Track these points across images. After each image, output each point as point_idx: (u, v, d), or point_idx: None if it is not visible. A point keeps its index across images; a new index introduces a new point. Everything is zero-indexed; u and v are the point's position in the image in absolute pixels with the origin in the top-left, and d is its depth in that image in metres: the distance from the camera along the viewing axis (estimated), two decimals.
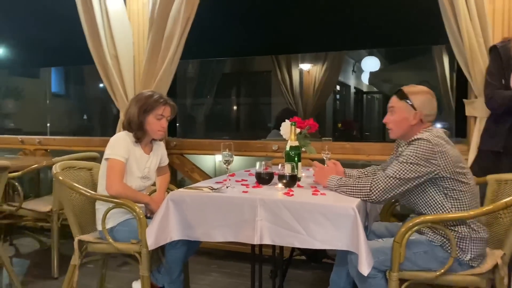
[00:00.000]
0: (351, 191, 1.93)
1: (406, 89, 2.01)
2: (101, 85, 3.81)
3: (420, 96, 1.98)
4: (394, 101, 2.02)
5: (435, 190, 1.91)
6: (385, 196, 1.89)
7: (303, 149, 2.47)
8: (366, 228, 1.98)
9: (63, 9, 3.97)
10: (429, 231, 1.91)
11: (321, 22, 3.70)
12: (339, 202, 1.85)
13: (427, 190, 1.92)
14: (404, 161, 1.86)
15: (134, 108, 2.35)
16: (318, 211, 1.80)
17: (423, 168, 1.84)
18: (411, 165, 1.85)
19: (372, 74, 7.80)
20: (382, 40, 3.70)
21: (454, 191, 1.89)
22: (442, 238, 1.88)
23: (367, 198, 1.90)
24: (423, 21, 3.30)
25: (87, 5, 3.54)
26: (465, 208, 1.89)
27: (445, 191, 1.89)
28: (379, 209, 2.44)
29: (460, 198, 1.89)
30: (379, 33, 3.58)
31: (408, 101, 1.97)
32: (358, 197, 1.90)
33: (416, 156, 1.84)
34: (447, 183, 1.88)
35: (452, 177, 1.87)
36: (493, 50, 2.48)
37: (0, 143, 4.38)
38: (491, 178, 2.21)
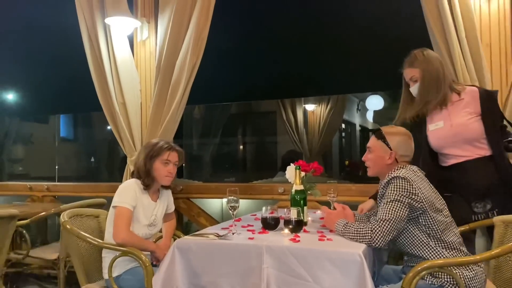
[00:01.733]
0: (355, 238, 1.93)
1: (384, 129, 2.12)
2: (108, 127, 3.88)
3: (397, 137, 2.08)
4: (372, 140, 2.14)
5: (418, 231, 1.95)
6: (387, 239, 1.90)
7: (308, 192, 2.48)
8: (374, 274, 1.96)
9: (72, 58, 4.11)
10: (428, 275, 1.89)
11: (325, 67, 3.79)
12: (346, 248, 1.83)
13: (411, 231, 1.97)
14: (388, 200, 1.92)
15: (141, 156, 2.41)
16: (325, 258, 1.79)
17: (407, 202, 1.89)
18: (396, 203, 1.90)
19: (376, 113, 7.84)
20: (385, 83, 3.76)
21: (435, 231, 1.93)
22: (440, 280, 1.88)
23: (370, 244, 1.89)
24: None
25: (95, 54, 3.67)
26: (448, 246, 1.92)
27: (428, 231, 1.94)
28: (387, 252, 2.41)
29: (441, 238, 1.93)
30: (382, 76, 3.65)
31: (384, 141, 2.06)
32: (362, 243, 1.89)
33: (397, 193, 1.91)
34: (427, 221, 1.92)
35: (432, 212, 1.92)
36: None
37: (9, 190, 4.44)
38: (497, 220, 2.20)
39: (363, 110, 8.48)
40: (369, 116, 8.27)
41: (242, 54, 3.88)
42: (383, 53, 3.49)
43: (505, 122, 2.44)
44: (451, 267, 1.83)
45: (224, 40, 3.69)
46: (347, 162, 8.11)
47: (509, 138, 2.32)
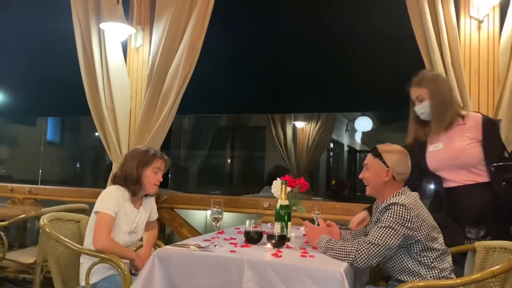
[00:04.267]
0: (337, 255, 1.92)
1: (381, 147, 2.10)
2: (95, 133, 3.85)
3: (393, 155, 2.06)
4: (369, 158, 2.12)
5: (408, 258, 1.95)
6: (370, 263, 1.89)
7: (293, 207, 2.47)
8: None
9: (64, 61, 4.09)
10: None
11: (316, 84, 3.82)
12: (327, 266, 1.82)
13: (401, 258, 1.96)
14: (383, 226, 1.90)
15: (131, 163, 2.37)
16: (306, 274, 1.77)
17: (402, 231, 1.88)
18: (389, 230, 1.88)
19: (364, 134, 7.91)
20: (375, 104, 3.80)
21: (427, 258, 1.92)
22: None
23: (352, 264, 1.89)
24: None
25: (88, 59, 3.66)
26: (438, 274, 1.92)
27: (419, 258, 1.93)
28: (368, 272, 2.40)
29: (433, 265, 1.93)
30: (372, 97, 3.68)
31: (381, 159, 2.04)
32: (345, 261, 1.89)
33: (393, 221, 1.89)
34: (419, 248, 1.92)
35: (425, 241, 1.91)
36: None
37: None
38: (479, 245, 2.21)
39: (351, 130, 8.54)
40: (358, 137, 8.34)
41: (235, 66, 3.89)
42: (375, 75, 3.53)
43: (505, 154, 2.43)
44: None
45: (217, 51, 3.71)
46: (333, 182, 8.13)
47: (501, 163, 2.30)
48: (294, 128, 7.09)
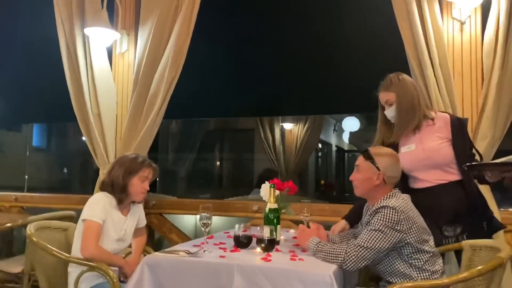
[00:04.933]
0: (327, 257, 1.93)
1: (373, 150, 2.11)
2: (83, 139, 3.82)
3: (385, 158, 2.07)
4: (360, 160, 2.12)
5: (399, 260, 1.96)
6: (359, 265, 1.90)
7: (282, 211, 2.48)
8: None
9: (49, 66, 4.04)
10: None
11: (304, 87, 3.83)
12: (316, 269, 1.83)
13: (392, 260, 1.97)
14: (373, 229, 1.91)
15: (119, 170, 2.36)
16: (295, 278, 1.78)
17: (391, 235, 1.89)
18: (379, 233, 1.89)
19: (352, 134, 7.97)
20: (361, 105, 3.81)
21: (418, 260, 1.94)
22: None
23: (341, 266, 1.90)
24: None
25: (72, 64, 3.63)
26: (430, 276, 1.93)
27: (410, 261, 1.94)
28: (357, 274, 2.42)
29: (424, 268, 1.94)
30: (358, 98, 3.70)
31: (373, 162, 2.05)
32: (334, 264, 1.89)
33: (383, 224, 1.90)
34: (410, 251, 1.93)
35: (416, 244, 1.92)
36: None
37: None
38: (466, 244, 2.23)
39: (339, 131, 8.59)
40: (345, 137, 8.40)
41: (221, 70, 3.89)
42: (361, 75, 3.55)
43: (473, 151, 2.50)
44: None
45: (204, 55, 3.69)
46: (322, 182, 8.17)
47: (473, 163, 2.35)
48: (282, 130, 7.11)
